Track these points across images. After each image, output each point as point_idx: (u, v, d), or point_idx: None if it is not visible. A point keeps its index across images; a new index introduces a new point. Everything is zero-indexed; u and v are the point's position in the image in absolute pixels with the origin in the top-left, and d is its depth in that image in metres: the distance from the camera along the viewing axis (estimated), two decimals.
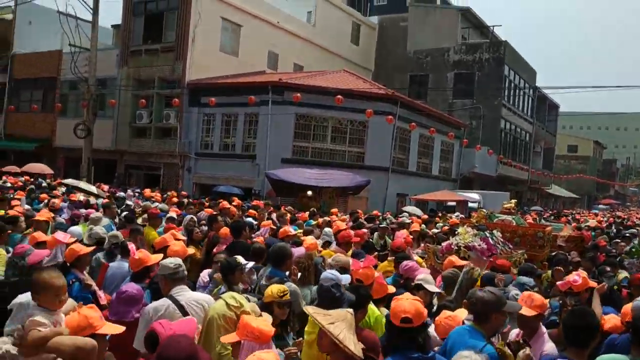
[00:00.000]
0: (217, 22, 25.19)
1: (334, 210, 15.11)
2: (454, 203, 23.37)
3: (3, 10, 30.85)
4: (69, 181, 15.52)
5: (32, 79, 30.01)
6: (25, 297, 3.26)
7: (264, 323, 3.19)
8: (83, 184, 14.42)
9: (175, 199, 14.48)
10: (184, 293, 4.01)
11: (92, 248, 5.25)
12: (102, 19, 24.69)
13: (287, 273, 4.92)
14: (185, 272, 4.22)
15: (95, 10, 23.04)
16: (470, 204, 22.98)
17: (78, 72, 22.71)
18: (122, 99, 25.34)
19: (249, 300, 3.87)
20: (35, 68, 29.65)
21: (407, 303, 3.03)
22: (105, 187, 17.49)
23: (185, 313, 3.81)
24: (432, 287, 4.76)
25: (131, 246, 5.79)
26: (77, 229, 7.21)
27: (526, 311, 3.84)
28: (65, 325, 2.86)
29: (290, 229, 8.04)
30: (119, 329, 2.98)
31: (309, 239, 7.17)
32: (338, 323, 2.82)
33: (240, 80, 24.25)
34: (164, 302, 3.93)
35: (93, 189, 13.92)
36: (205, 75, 24.33)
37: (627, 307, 4.36)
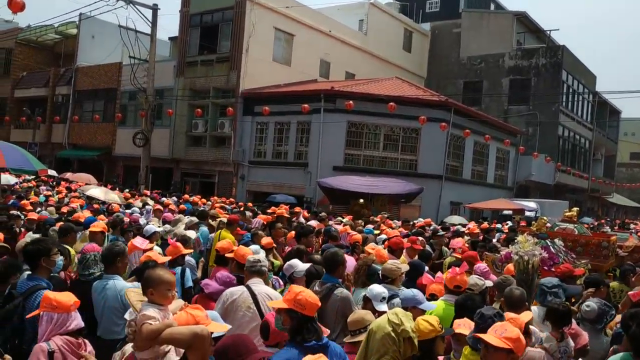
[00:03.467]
0: (270, 32, 25.59)
1: (379, 217, 14.85)
2: (510, 212, 22.74)
3: (68, 25, 32.36)
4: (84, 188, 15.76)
5: (94, 90, 31.39)
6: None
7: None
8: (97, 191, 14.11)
9: (217, 205, 14.78)
10: (259, 285, 4.51)
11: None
12: (160, 32, 25.64)
13: (340, 280, 4.93)
14: (264, 268, 4.72)
15: (153, 24, 23.89)
16: (527, 213, 22.29)
17: (137, 83, 23.58)
18: (179, 108, 26.06)
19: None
20: (97, 80, 31.00)
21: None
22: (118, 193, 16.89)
23: (256, 301, 4.31)
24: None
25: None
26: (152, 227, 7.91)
27: (493, 340, 2.93)
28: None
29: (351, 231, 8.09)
30: (224, 328, 3.05)
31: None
32: None
33: (293, 89, 24.53)
34: (240, 288, 4.47)
35: (107, 197, 13.58)
36: (258, 85, 24.73)
37: None
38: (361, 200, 18.91)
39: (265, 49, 25.39)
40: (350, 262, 6.38)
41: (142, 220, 10.47)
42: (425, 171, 22.64)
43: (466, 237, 11.02)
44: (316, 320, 3.28)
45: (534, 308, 4.59)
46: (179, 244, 6.23)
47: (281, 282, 5.86)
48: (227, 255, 5.43)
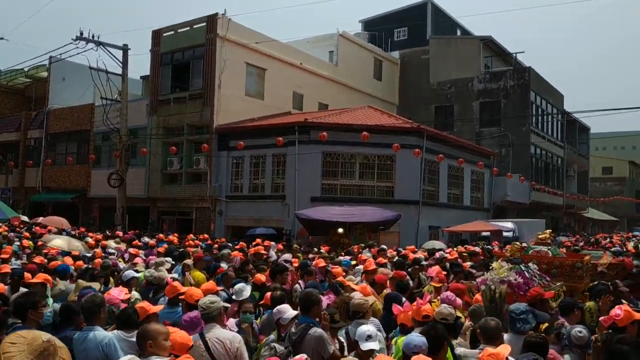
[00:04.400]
0: (242, 67, 25.82)
1: (355, 247, 14.95)
2: (487, 233, 22.93)
3: (38, 69, 32.27)
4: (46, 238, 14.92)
5: (67, 132, 31.16)
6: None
7: None
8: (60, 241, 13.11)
9: (191, 242, 14.67)
10: (211, 330, 4.54)
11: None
12: (132, 72, 25.61)
13: (317, 319, 4.90)
14: (215, 313, 4.67)
15: (124, 64, 23.96)
16: (505, 233, 22.51)
17: (110, 124, 23.49)
18: (153, 147, 25.97)
19: (275, 351, 3.96)
20: (69, 122, 30.81)
21: None
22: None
23: (207, 347, 4.38)
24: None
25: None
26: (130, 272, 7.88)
27: None
28: None
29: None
30: None
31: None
32: None
33: (267, 122, 24.67)
34: (195, 337, 4.43)
35: (71, 246, 12.72)
36: (232, 120, 24.82)
37: None
38: (340, 230, 18.92)
39: (238, 84, 25.58)
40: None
41: (121, 265, 10.32)
42: (402, 197, 22.80)
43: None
44: None
45: (505, 336, 4.61)
46: (176, 283, 6.46)
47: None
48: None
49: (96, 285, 6.97)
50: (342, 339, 4.99)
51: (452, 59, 34.52)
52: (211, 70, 24.70)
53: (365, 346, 4.14)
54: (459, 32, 43.03)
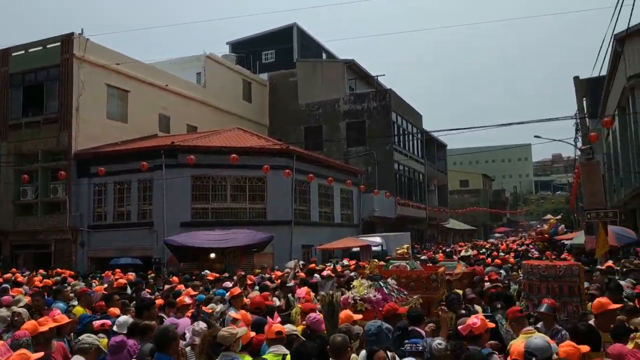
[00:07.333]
0: (102, 89, 24.57)
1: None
2: (357, 249, 23.73)
3: None
4: None
5: None
6: None
7: None
8: None
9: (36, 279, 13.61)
10: None
11: None
12: None
13: (174, 357, 4.71)
14: (86, 345, 4.80)
15: None
16: (373, 248, 23.44)
17: None
18: (3, 175, 23.81)
19: None
20: None
21: None
22: None
23: None
24: None
25: None
26: None
27: None
28: None
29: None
30: None
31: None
32: None
33: (131, 146, 23.62)
34: None
35: None
36: (93, 144, 23.49)
37: (514, 345, 4.38)
38: (212, 255, 18.54)
39: (98, 106, 24.28)
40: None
41: None
42: (275, 218, 22.94)
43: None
44: None
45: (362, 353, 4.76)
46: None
47: None
48: None
49: None
50: None
51: (319, 81, 35.63)
52: (68, 93, 23.24)
53: None
54: (324, 56, 44.55)
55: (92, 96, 23.67)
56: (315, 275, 13.42)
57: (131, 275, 14.11)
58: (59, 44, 23.80)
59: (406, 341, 4.64)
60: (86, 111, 23.47)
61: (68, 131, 23.16)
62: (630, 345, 4.35)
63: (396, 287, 7.37)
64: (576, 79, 19.89)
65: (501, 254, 21.38)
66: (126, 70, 25.49)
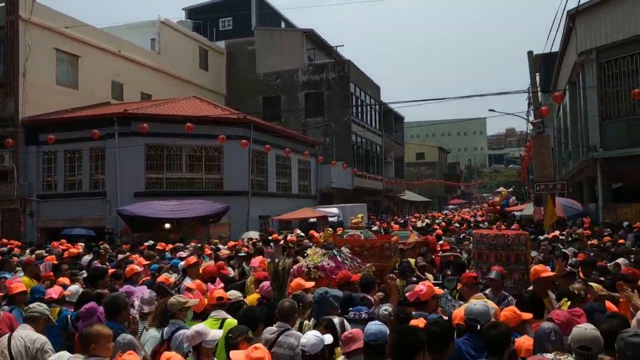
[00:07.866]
0: (51, 54, 23.60)
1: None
2: (314, 219, 23.89)
3: None
4: None
5: None
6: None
7: None
8: None
9: None
10: (21, 330, 4.64)
11: None
12: None
13: (126, 323, 4.66)
14: (36, 314, 4.83)
15: None
16: (330, 219, 23.63)
17: None
18: None
19: None
20: None
21: None
22: None
23: (9, 346, 4.41)
24: None
25: None
26: None
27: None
28: None
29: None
30: None
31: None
32: None
33: (82, 113, 22.88)
34: (6, 336, 4.60)
35: None
36: (42, 111, 22.62)
37: (457, 311, 4.56)
38: (167, 225, 18.35)
39: (47, 72, 23.31)
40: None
41: None
42: (232, 189, 22.78)
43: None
44: None
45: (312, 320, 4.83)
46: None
47: None
48: None
49: None
50: None
51: (278, 50, 35.13)
52: (14, 57, 22.21)
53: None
54: (283, 24, 43.93)
55: (40, 61, 22.69)
56: (271, 244, 13.48)
57: (80, 246, 13.81)
58: (3, 4, 22.60)
59: (350, 309, 4.71)
60: (34, 76, 22.49)
61: (15, 97, 22.20)
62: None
63: (350, 255, 7.48)
64: (530, 54, 20.29)
65: (456, 225, 21.87)
66: (76, 35, 24.49)
